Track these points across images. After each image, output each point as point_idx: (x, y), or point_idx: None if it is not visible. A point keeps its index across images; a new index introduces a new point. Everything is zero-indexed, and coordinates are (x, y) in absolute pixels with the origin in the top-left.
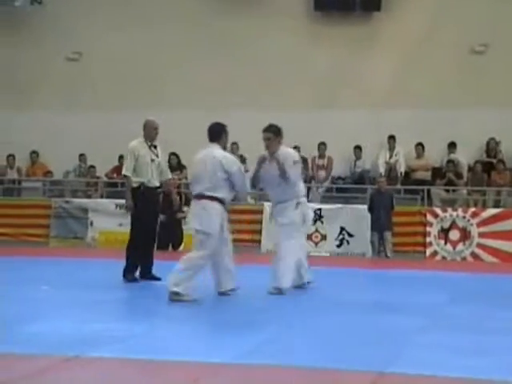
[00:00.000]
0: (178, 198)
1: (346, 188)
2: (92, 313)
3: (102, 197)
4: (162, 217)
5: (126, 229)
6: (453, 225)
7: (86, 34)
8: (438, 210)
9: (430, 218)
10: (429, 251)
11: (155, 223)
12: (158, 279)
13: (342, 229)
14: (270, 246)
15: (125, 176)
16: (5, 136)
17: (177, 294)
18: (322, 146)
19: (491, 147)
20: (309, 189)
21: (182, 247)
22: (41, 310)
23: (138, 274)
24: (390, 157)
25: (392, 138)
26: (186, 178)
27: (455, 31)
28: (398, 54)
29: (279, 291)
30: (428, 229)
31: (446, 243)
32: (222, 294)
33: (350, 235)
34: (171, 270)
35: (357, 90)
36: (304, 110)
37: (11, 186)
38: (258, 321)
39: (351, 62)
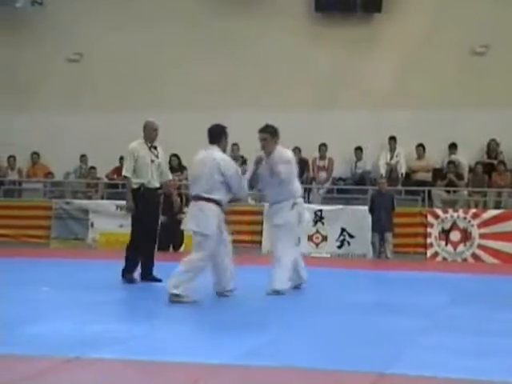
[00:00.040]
0: (179, 199)
1: (346, 189)
2: (92, 314)
3: (102, 198)
4: (162, 218)
5: (127, 230)
6: (453, 226)
7: (86, 35)
8: (439, 211)
9: (430, 219)
10: (429, 252)
11: (156, 224)
12: (159, 280)
13: (343, 230)
14: (270, 246)
15: (125, 177)
16: (5, 137)
17: (177, 295)
18: (322, 147)
19: (492, 148)
20: (309, 190)
21: (182, 248)
22: (41, 311)
23: (136, 275)
24: (391, 158)
25: (393, 139)
26: (187, 179)
27: (456, 32)
28: (398, 55)
29: (277, 293)
30: (429, 230)
31: (446, 244)
32: (219, 294)
33: (351, 236)
34: (172, 273)
35: (357, 90)
36: (304, 111)
37: (12, 187)
38: (258, 322)
39: (352, 63)
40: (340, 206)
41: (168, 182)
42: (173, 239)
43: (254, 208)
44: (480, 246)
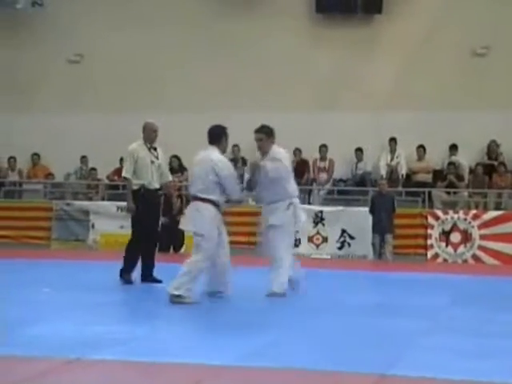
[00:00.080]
0: (180, 200)
1: (347, 190)
2: (93, 315)
3: (103, 199)
4: (163, 219)
5: (128, 231)
6: (454, 227)
7: (86, 36)
8: (439, 213)
9: (431, 220)
10: (430, 253)
11: (156, 225)
12: (160, 282)
13: (344, 231)
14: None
15: (125, 178)
16: (6, 138)
17: (178, 296)
18: (323, 148)
19: (492, 149)
20: (310, 191)
21: (183, 250)
22: (42, 313)
23: (134, 276)
24: (392, 159)
25: (393, 140)
26: (187, 180)
27: (457, 33)
28: (399, 57)
29: (276, 295)
30: (429, 231)
31: (447, 245)
32: (210, 294)
33: (352, 237)
34: (175, 275)
35: (358, 92)
36: (305, 112)
37: (12, 189)
38: (259, 323)
39: (353, 64)
40: (340, 207)
41: (168, 183)
42: (173, 240)
43: (252, 209)
44: (480, 247)
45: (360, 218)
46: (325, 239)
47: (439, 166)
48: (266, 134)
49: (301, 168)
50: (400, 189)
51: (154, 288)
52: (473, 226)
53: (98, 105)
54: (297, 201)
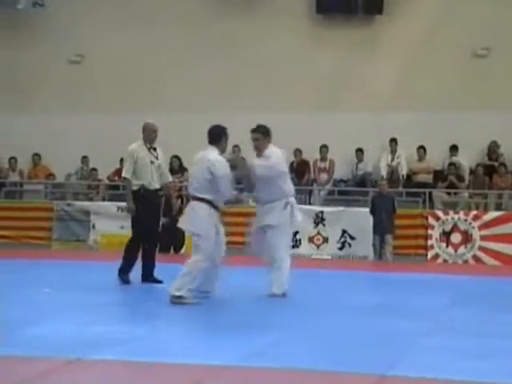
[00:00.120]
0: (180, 200)
1: (347, 191)
2: (94, 315)
3: (103, 199)
4: (163, 220)
5: (128, 231)
6: (454, 228)
7: (87, 37)
8: (440, 213)
9: (431, 220)
10: (430, 254)
11: (156, 226)
12: (160, 282)
13: (344, 231)
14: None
15: (124, 178)
16: (7, 138)
17: (178, 297)
18: (323, 148)
19: (493, 150)
20: (310, 192)
21: (183, 250)
22: (43, 313)
23: (134, 276)
24: (392, 159)
25: (394, 140)
26: (187, 180)
27: (457, 34)
28: (400, 57)
29: (277, 295)
30: (429, 232)
31: (447, 246)
32: (197, 292)
33: (352, 238)
34: (176, 275)
35: (359, 92)
36: (306, 113)
37: (13, 189)
38: (259, 323)
39: (353, 65)
40: (341, 208)
41: (168, 183)
42: (174, 241)
43: (251, 209)
44: (481, 248)
45: (361, 218)
46: (325, 240)
47: (440, 167)
48: (262, 134)
49: (301, 168)
50: (400, 189)
51: (154, 288)
52: (473, 227)
53: (98, 105)
54: (293, 200)
